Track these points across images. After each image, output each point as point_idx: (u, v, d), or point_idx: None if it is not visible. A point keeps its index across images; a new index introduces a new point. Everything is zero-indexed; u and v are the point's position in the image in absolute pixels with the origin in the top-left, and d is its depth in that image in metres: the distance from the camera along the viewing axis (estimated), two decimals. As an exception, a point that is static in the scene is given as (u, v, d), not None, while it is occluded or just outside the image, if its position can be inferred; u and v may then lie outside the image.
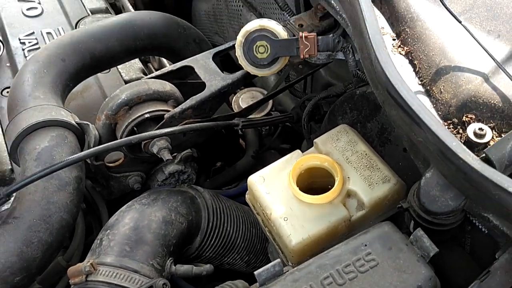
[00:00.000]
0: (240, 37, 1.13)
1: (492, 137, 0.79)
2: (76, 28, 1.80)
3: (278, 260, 0.82)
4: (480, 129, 0.79)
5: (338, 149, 1.05)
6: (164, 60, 1.71)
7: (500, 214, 0.78)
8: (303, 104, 1.47)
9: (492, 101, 0.82)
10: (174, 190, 1.22)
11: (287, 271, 0.83)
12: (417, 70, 0.92)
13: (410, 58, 0.94)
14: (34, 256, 0.99)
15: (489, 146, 0.76)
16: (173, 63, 1.37)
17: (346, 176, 1.00)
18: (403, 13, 0.98)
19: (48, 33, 1.76)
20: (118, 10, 2.09)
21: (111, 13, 1.94)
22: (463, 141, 0.79)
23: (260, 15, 1.78)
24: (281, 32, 1.13)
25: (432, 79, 0.89)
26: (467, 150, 0.73)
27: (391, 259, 0.82)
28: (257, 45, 1.12)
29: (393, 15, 1.00)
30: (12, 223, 1.00)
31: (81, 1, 1.93)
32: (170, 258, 1.08)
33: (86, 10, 1.89)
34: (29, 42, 1.71)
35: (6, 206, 1.16)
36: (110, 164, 1.25)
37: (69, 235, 1.09)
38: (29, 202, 1.02)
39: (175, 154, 1.29)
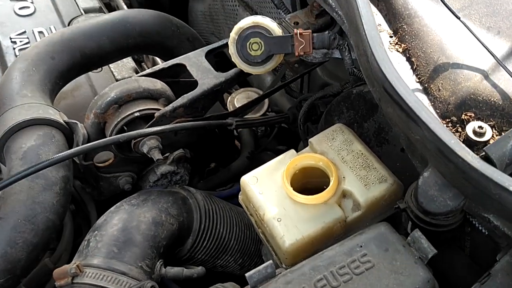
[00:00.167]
0: (233, 34, 1.11)
1: (492, 136, 0.78)
2: (68, 27, 1.78)
3: (270, 261, 0.80)
4: (480, 127, 0.77)
5: (333, 149, 1.02)
6: (158, 60, 1.69)
7: (501, 214, 0.76)
8: (300, 104, 1.45)
9: (492, 99, 0.81)
10: (165, 191, 1.19)
11: (280, 272, 0.81)
12: (414, 67, 0.91)
13: (408, 55, 0.92)
14: (18, 257, 0.97)
15: (489, 144, 0.74)
16: (166, 62, 1.35)
17: (342, 176, 0.98)
18: (400, 10, 0.97)
19: (40, 32, 1.74)
20: (112, 10, 2.08)
21: (104, 13, 1.92)
22: (462, 140, 0.78)
23: (256, 15, 1.76)
24: (275, 29, 1.11)
25: (430, 76, 0.88)
26: (466, 148, 0.72)
27: (387, 261, 0.80)
28: (250, 42, 1.11)
29: (390, 12, 0.99)
30: (-4, 224, 0.97)
31: (75, 0, 1.91)
32: (160, 260, 1.06)
33: (79, 9, 1.87)
34: (20, 41, 1.69)
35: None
36: (100, 164, 1.22)
37: (55, 236, 1.07)
38: (13, 202, 1.00)
39: (167, 154, 1.26)
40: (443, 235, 0.86)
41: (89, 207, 1.25)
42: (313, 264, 0.81)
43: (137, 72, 1.64)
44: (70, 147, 1.15)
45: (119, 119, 1.15)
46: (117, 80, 1.59)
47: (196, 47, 1.39)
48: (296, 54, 1.11)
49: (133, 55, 1.63)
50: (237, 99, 1.57)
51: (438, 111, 0.83)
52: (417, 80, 0.89)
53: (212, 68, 1.25)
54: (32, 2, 1.87)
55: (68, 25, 1.79)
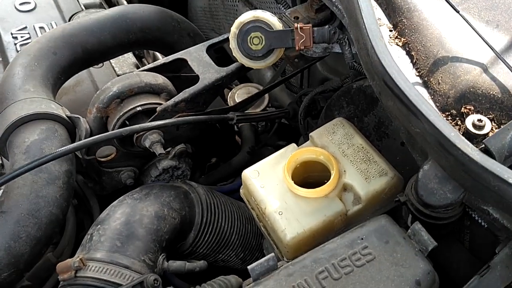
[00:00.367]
0: (234, 29, 1.11)
1: (492, 129, 0.78)
2: (69, 23, 1.78)
3: (272, 254, 0.81)
4: (479, 120, 0.78)
5: (334, 143, 1.03)
6: (159, 55, 1.69)
7: (500, 206, 0.77)
8: (300, 99, 1.46)
9: (491, 92, 0.81)
10: (167, 185, 1.20)
11: (282, 265, 0.81)
12: (414, 61, 0.91)
13: (407, 49, 0.93)
14: (22, 251, 0.97)
15: (488, 137, 0.74)
16: (167, 57, 1.35)
17: (342, 170, 0.98)
18: (400, 4, 0.97)
19: (41, 27, 1.74)
20: (112, 5, 2.06)
21: (105, 8, 1.92)
22: (462, 133, 0.78)
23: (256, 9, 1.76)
24: (276, 23, 1.11)
25: (430, 70, 0.88)
26: (466, 140, 0.72)
27: (388, 253, 0.80)
28: (251, 37, 1.11)
29: (389, 5, 0.99)
30: (-1, 218, 0.98)
31: (75, -4, 1.91)
32: (162, 254, 1.06)
33: (80, 4, 1.87)
34: (22, 37, 1.69)
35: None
36: (102, 159, 1.23)
37: (58, 230, 1.07)
38: (17, 196, 1.00)
39: (169, 149, 1.27)
40: (443, 228, 0.86)
41: (92, 202, 1.25)
42: (314, 257, 0.81)
43: (137, 68, 1.64)
44: (73, 142, 1.15)
45: (121, 114, 1.15)
46: (118, 75, 1.58)
47: (197, 42, 1.39)
48: (297, 48, 1.11)
49: (134, 50, 1.63)
50: (238, 94, 1.57)
51: (437, 105, 0.83)
52: (417, 74, 0.89)
53: (213, 63, 1.25)
54: (32, -3, 1.87)
55: (69, 20, 1.78)
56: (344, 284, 0.77)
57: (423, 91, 0.86)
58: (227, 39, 1.21)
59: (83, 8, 1.86)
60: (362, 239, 0.82)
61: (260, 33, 1.10)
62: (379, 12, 0.99)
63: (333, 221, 0.94)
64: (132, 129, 1.07)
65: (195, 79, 1.22)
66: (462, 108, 0.81)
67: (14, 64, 1.24)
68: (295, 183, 0.96)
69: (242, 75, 1.33)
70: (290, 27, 1.16)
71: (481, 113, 0.79)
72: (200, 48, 1.28)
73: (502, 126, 0.76)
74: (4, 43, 1.66)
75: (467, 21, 0.87)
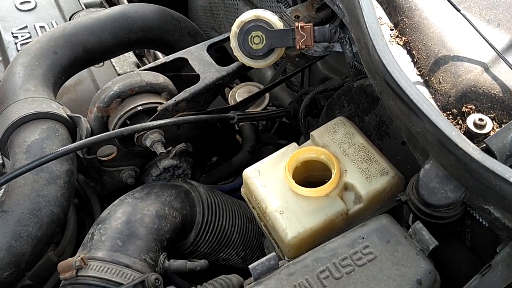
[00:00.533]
0: (235, 28, 1.11)
1: (493, 128, 0.78)
2: (70, 22, 1.77)
3: (273, 253, 0.81)
4: (480, 119, 0.78)
5: (335, 142, 1.03)
6: (159, 54, 1.69)
7: (501, 206, 0.77)
8: (300, 98, 1.46)
9: (492, 91, 0.81)
10: (168, 184, 1.20)
11: (283, 265, 0.81)
12: (415, 60, 0.91)
13: (408, 48, 0.93)
14: (23, 250, 0.97)
15: (489, 136, 0.74)
16: (168, 56, 1.35)
17: (343, 169, 0.98)
18: (401, 3, 0.97)
19: (41, 27, 1.74)
20: (113, 4, 2.06)
21: (105, 7, 1.91)
22: (463, 132, 0.78)
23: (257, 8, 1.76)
24: (277, 22, 1.11)
25: (431, 69, 0.88)
26: (467, 140, 0.72)
27: (389, 252, 0.80)
28: (252, 36, 1.11)
29: (390, 5, 0.99)
30: (0, 217, 0.98)
31: (76, -5, 1.91)
32: (163, 253, 1.06)
33: (80, 4, 1.87)
34: (22, 36, 1.69)
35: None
36: (103, 158, 1.23)
37: (60, 229, 1.07)
38: (18, 196, 1.00)
39: (169, 148, 1.27)
40: (444, 228, 0.86)
41: (93, 201, 1.25)
42: (315, 256, 0.81)
43: (138, 67, 1.64)
44: (74, 141, 1.15)
45: (122, 113, 1.15)
46: (119, 75, 1.58)
47: (197, 41, 1.39)
48: (298, 47, 1.11)
49: (134, 49, 1.63)
50: (238, 93, 1.57)
51: (439, 104, 0.83)
52: (418, 73, 0.89)
53: (214, 62, 1.25)
54: (33, -3, 1.87)
55: (69, 20, 1.78)
56: (345, 283, 0.77)
57: (424, 90, 0.86)
58: (228, 38, 1.21)
59: (84, 7, 1.86)
60: (363, 238, 0.82)
61: (261, 32, 1.10)
62: (380, 11, 0.99)
63: (334, 221, 0.94)
64: (133, 129, 1.07)
65: (196, 78, 1.22)
66: (463, 107, 0.81)
67: (15, 64, 1.24)
68: (296, 182, 0.96)
69: (243, 74, 1.33)
70: (290, 26, 1.16)
71: (482, 113, 0.79)
72: (200, 47, 1.28)
73: (503, 126, 0.76)
74: (4, 43, 1.66)
75: (468, 20, 0.87)
